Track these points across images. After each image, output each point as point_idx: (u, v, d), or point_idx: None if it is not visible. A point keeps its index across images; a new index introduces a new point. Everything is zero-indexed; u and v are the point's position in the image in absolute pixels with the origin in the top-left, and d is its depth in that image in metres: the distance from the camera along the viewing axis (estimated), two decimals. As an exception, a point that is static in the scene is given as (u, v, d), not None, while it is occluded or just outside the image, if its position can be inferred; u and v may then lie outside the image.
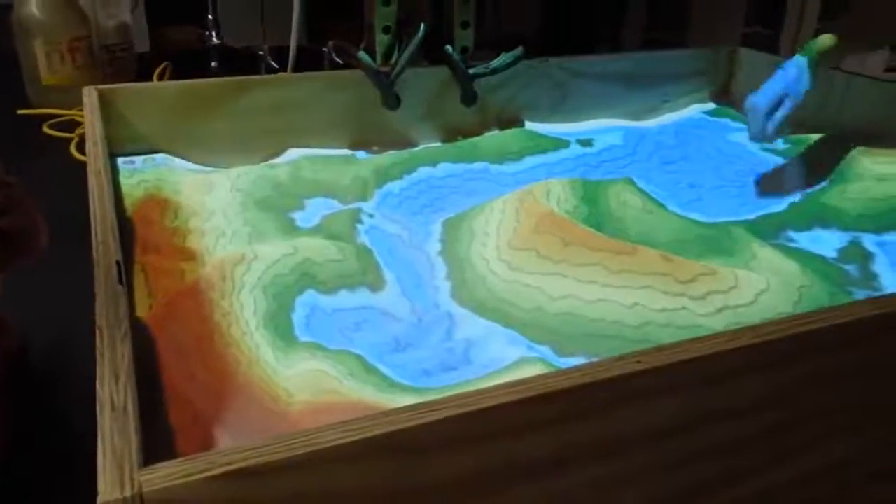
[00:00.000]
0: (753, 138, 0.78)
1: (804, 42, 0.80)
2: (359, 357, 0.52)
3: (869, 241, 0.71)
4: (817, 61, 0.76)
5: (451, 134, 0.95)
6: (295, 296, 0.57)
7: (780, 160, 0.91)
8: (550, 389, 0.34)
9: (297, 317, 0.56)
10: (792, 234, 0.72)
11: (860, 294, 0.61)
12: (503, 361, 0.52)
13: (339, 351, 0.52)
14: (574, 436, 0.36)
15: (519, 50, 0.94)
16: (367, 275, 0.62)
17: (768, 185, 0.84)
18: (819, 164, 0.83)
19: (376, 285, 0.62)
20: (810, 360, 0.41)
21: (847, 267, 0.66)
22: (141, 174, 0.77)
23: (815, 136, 0.91)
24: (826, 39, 0.77)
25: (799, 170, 0.85)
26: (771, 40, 1.93)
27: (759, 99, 0.77)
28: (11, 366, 0.51)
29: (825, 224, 0.74)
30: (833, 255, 0.68)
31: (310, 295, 0.58)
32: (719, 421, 0.40)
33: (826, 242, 0.70)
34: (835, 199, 0.78)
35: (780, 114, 0.75)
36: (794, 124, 0.93)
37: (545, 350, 0.54)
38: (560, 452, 0.36)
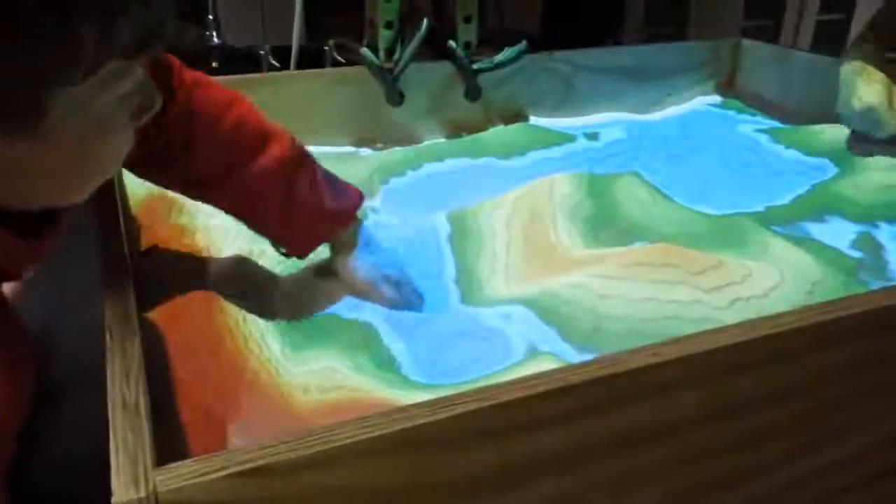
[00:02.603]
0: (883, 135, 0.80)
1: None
2: (369, 354, 0.51)
3: (881, 230, 0.70)
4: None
5: (455, 129, 0.95)
6: (303, 293, 0.57)
7: (789, 151, 0.91)
8: (568, 383, 0.34)
9: (306, 314, 0.55)
10: (802, 224, 0.71)
11: (874, 284, 0.60)
12: (516, 358, 0.51)
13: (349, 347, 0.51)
14: (592, 430, 0.36)
15: (522, 44, 0.94)
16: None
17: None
18: None
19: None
20: (829, 350, 0.40)
21: (860, 256, 0.65)
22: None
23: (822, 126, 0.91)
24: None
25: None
26: (771, 33, 1.92)
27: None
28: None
29: (836, 214, 0.73)
30: (845, 245, 0.67)
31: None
32: (738, 413, 0.39)
33: (837, 233, 0.70)
34: (844, 188, 0.77)
35: None
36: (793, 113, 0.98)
37: (559, 345, 0.54)
38: (578, 446, 0.36)
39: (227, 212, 0.57)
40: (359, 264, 0.57)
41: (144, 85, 0.41)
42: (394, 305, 0.56)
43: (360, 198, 0.58)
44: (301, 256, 0.58)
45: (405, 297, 0.58)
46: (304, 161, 0.56)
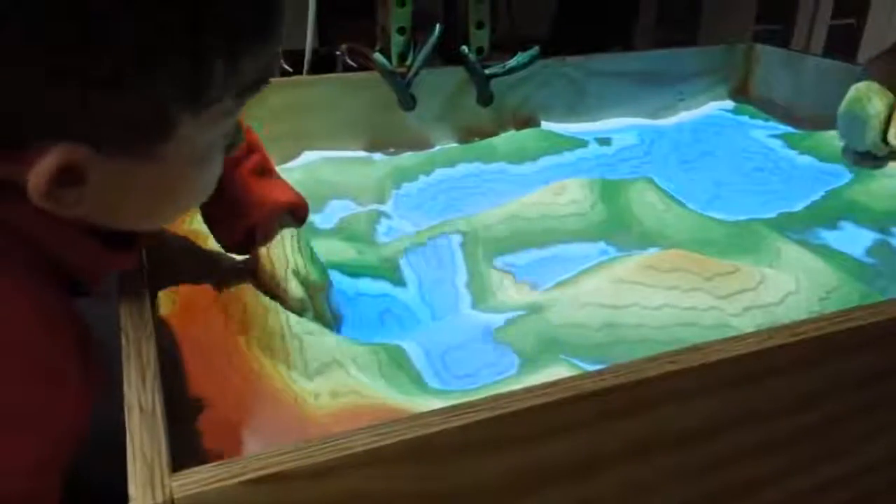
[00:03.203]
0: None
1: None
2: (381, 360, 0.51)
3: (897, 237, 0.69)
4: None
5: (467, 134, 0.95)
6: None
7: (803, 156, 0.90)
8: (583, 391, 0.34)
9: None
10: (817, 231, 0.71)
11: (892, 291, 0.60)
12: (525, 365, 0.51)
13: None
14: (607, 438, 0.36)
15: (534, 49, 0.94)
16: (388, 273, 0.62)
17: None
18: None
19: (398, 285, 0.62)
20: (848, 358, 0.40)
21: (875, 264, 0.65)
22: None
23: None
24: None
25: None
26: (783, 37, 1.91)
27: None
28: None
29: (850, 221, 0.73)
30: (860, 252, 0.67)
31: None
32: (756, 421, 0.39)
33: (852, 239, 0.69)
34: (859, 195, 0.77)
35: None
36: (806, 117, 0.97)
37: (571, 351, 0.53)
38: (592, 455, 0.36)
39: None
40: (272, 256, 0.55)
41: (238, 124, 0.44)
42: (298, 309, 0.54)
43: (304, 204, 0.58)
44: (232, 246, 0.58)
45: (317, 306, 0.55)
46: (255, 150, 0.57)
